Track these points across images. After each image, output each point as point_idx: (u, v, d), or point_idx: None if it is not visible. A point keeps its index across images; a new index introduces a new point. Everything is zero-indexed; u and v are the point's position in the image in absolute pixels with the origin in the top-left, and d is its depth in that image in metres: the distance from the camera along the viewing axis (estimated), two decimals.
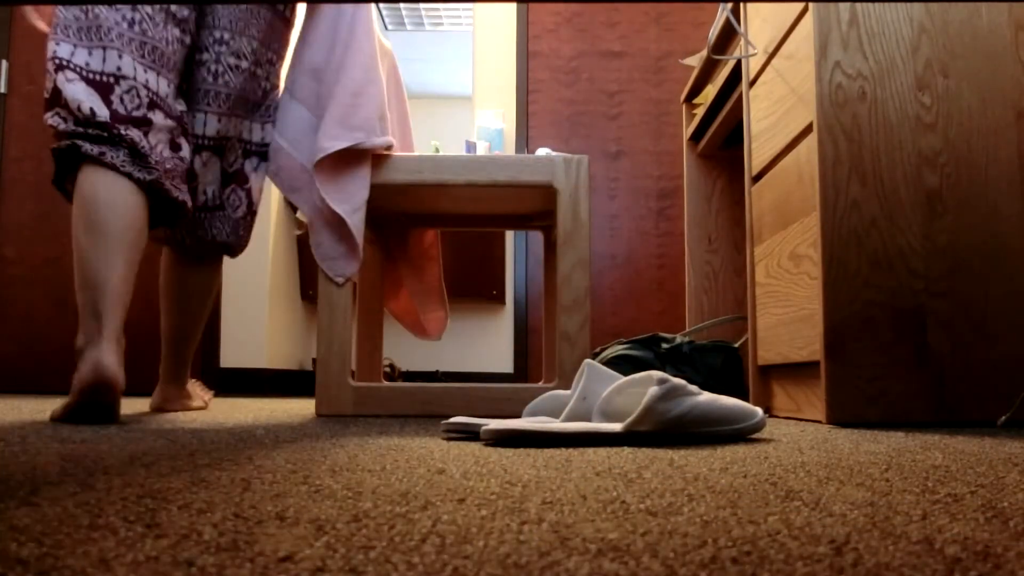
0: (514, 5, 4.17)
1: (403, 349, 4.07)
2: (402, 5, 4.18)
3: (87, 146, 1.43)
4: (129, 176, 1.44)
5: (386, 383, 1.89)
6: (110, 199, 1.42)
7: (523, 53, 4.15)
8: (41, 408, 1.90)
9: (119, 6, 1.51)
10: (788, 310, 1.74)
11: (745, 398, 2.15)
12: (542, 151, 2.04)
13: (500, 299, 3.92)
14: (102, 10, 1.49)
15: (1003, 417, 1.44)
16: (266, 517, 0.48)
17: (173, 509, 0.50)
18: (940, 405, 1.50)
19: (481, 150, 3.79)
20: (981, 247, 1.53)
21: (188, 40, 1.60)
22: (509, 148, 4.11)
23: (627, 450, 0.93)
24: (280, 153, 1.77)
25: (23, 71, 3.47)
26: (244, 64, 1.67)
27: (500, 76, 4.17)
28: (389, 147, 1.78)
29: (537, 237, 4.12)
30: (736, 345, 2.22)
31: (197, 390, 1.99)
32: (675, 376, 1.49)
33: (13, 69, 3.46)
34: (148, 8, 1.53)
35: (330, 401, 1.76)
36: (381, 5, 4.10)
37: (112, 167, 1.43)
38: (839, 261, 1.53)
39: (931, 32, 1.58)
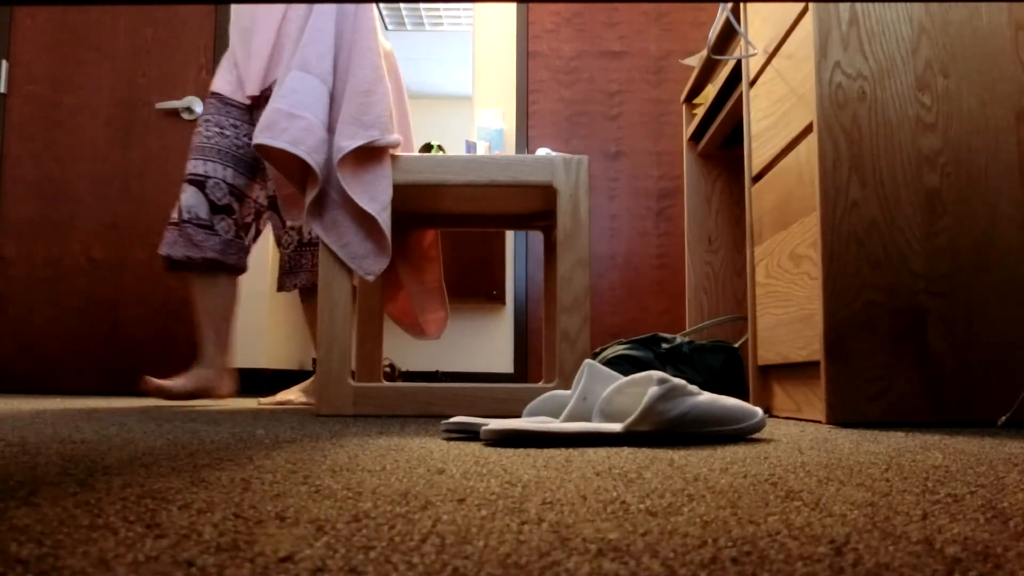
0: (514, 5, 4.17)
1: (403, 349, 4.07)
2: (402, 5, 4.18)
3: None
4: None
5: (386, 383, 1.89)
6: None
7: (523, 53, 4.15)
8: (41, 408, 1.90)
9: (210, 129, 2.25)
10: (788, 310, 1.74)
11: (745, 398, 2.15)
12: (542, 151, 2.04)
13: (500, 299, 3.92)
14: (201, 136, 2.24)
15: (1003, 417, 1.44)
16: (266, 517, 0.48)
17: (173, 509, 0.50)
18: (940, 405, 1.50)
19: (481, 150, 3.79)
20: (981, 247, 1.53)
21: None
22: (509, 148, 4.11)
23: (627, 450, 0.93)
24: (299, 120, 1.73)
25: (23, 71, 3.47)
26: None
27: (500, 76, 4.17)
28: (397, 145, 1.79)
29: (537, 237, 4.12)
30: (736, 345, 2.22)
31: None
32: (675, 376, 1.49)
33: (13, 69, 3.46)
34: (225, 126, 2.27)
35: (330, 401, 1.76)
36: (381, 5, 4.10)
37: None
38: (839, 261, 1.53)
39: (931, 32, 1.58)
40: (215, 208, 2.22)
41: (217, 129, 2.27)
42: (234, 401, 2.61)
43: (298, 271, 2.35)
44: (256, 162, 2.33)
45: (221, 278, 2.25)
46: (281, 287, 2.37)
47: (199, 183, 2.22)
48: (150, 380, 2.12)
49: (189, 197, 2.21)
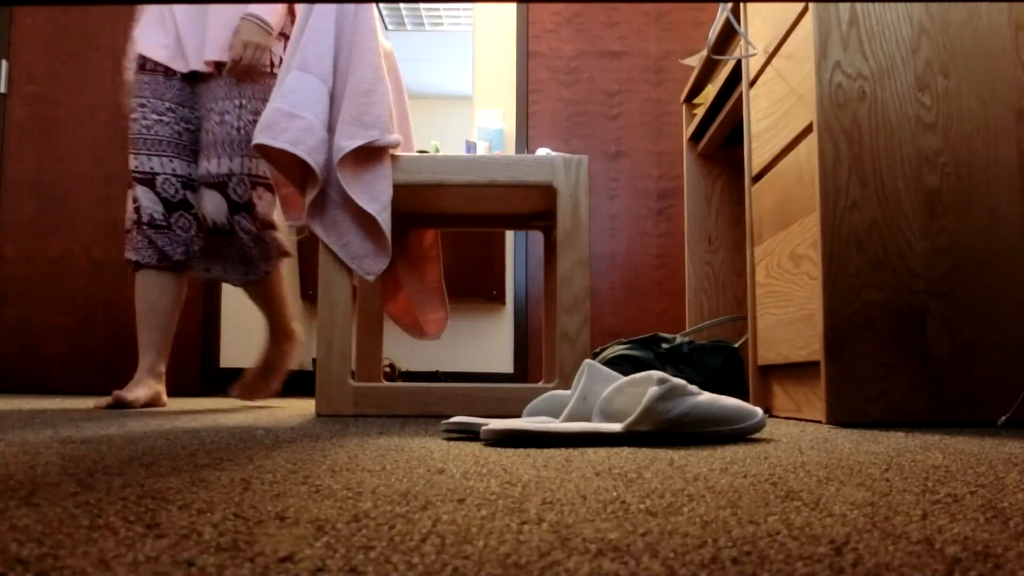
0: (514, 5, 4.17)
1: (403, 349, 4.07)
2: (402, 5, 4.18)
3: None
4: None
5: (386, 383, 1.89)
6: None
7: (523, 53, 4.15)
8: (41, 408, 1.90)
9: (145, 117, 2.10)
10: (788, 310, 1.74)
11: (745, 398, 2.15)
12: (542, 151, 2.04)
13: (500, 299, 3.92)
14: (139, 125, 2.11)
15: (1003, 417, 1.44)
16: (266, 517, 0.48)
17: (173, 509, 0.50)
18: (940, 405, 1.50)
19: (481, 150, 3.79)
20: (981, 247, 1.53)
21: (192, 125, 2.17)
22: (509, 148, 4.11)
23: (627, 450, 0.93)
24: (299, 120, 1.71)
25: (23, 71, 3.47)
26: (236, 119, 2.11)
27: (500, 76, 4.17)
28: (397, 145, 1.79)
29: (537, 237, 4.12)
30: (736, 345, 2.22)
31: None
32: (675, 376, 1.49)
33: (13, 69, 3.47)
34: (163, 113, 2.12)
35: (330, 401, 1.76)
36: (381, 5, 4.10)
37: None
38: (839, 261, 1.53)
39: (931, 32, 1.58)
40: (170, 206, 2.08)
41: (155, 116, 2.09)
42: (233, 401, 2.61)
43: (258, 261, 2.15)
44: (196, 147, 2.15)
45: (175, 276, 2.13)
46: (244, 282, 2.18)
47: (148, 181, 2.08)
48: (118, 393, 1.96)
49: (142, 197, 2.07)
